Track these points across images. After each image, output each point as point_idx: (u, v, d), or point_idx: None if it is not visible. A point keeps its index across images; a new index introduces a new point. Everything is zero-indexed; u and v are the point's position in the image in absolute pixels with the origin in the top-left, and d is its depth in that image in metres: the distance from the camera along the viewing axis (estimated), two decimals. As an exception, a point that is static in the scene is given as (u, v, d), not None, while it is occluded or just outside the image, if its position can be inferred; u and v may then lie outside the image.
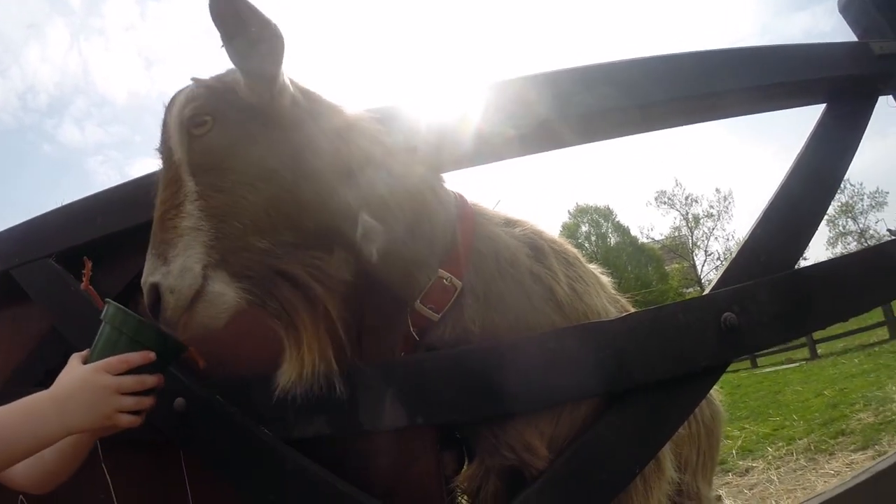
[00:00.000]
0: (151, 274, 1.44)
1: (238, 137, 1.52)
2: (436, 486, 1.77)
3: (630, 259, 50.32)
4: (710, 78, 2.02)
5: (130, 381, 1.43)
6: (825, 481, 5.48)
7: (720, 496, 5.69)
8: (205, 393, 1.81)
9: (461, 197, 1.83)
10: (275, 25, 1.42)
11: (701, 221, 56.98)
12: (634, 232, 54.53)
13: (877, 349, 14.36)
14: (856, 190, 54.91)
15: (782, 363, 18.85)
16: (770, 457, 6.82)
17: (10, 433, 1.33)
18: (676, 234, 58.12)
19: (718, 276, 1.89)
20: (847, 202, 55.24)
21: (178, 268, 1.42)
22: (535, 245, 1.82)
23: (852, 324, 15.93)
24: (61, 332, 2.07)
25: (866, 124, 2.12)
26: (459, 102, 1.99)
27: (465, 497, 1.83)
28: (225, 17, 1.39)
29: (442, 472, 1.79)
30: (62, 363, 2.03)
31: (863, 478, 2.24)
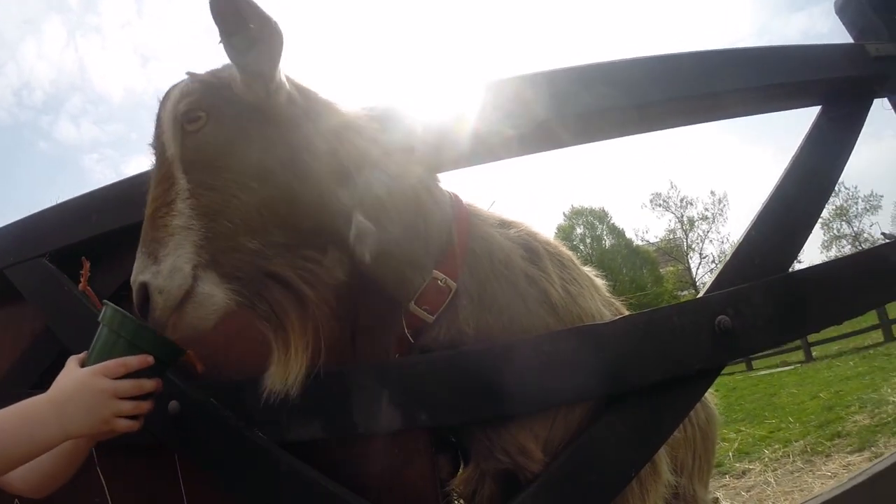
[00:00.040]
0: (141, 273, 1.42)
1: (232, 135, 1.50)
2: (431, 490, 1.76)
3: (625, 261, 50.31)
4: (708, 78, 2.02)
5: (129, 385, 1.41)
6: (822, 483, 5.49)
7: (717, 498, 5.70)
8: (199, 396, 1.80)
9: (456, 197, 1.82)
10: (275, 23, 1.41)
11: (696, 224, 57.11)
12: (629, 234, 54.65)
13: (871, 352, 14.38)
14: (850, 193, 55.21)
15: (777, 366, 18.86)
16: (767, 459, 6.83)
17: (8, 438, 1.31)
18: (671, 236, 58.24)
19: (713, 278, 1.89)
20: (842, 205, 55.46)
21: (167, 267, 1.40)
22: (530, 247, 1.82)
23: (847, 327, 15.95)
24: (55, 332, 2.06)
25: (861, 126, 2.12)
26: (457, 102, 1.99)
27: (461, 500, 1.83)
28: (225, 13, 1.38)
29: (437, 475, 1.78)
30: (56, 363, 2.04)
31: (860, 479, 2.24)
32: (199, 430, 1.80)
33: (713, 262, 54.56)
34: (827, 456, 6.32)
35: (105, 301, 1.49)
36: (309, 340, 1.55)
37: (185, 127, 1.49)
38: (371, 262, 1.55)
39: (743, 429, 9.01)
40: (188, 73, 1.56)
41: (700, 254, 57.02)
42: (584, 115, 1.99)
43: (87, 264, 1.73)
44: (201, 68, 1.58)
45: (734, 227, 56.11)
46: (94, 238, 2.07)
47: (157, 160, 1.54)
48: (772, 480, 6.01)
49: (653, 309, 1.76)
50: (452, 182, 1.93)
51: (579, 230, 52.35)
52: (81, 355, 1.50)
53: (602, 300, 1.95)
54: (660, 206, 57.78)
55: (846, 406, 8.35)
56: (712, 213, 56.90)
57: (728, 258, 1.91)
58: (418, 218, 1.69)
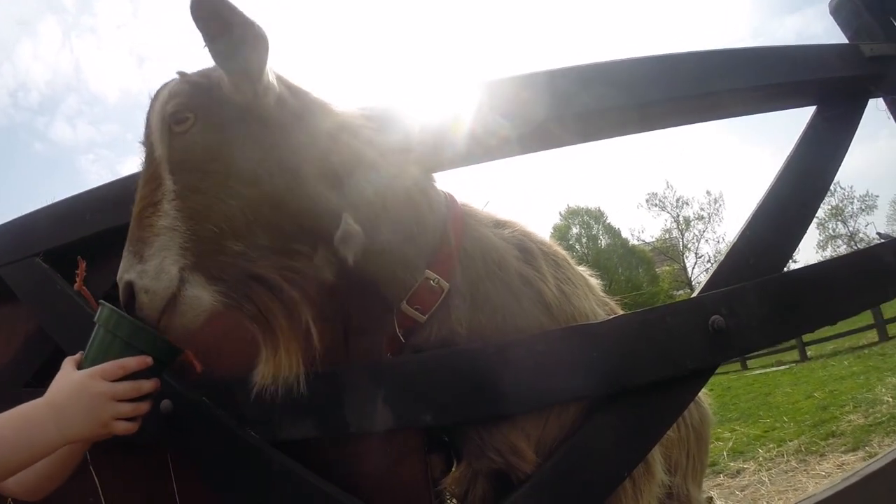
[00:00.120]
0: (127, 271, 1.42)
1: (220, 137, 1.49)
2: (423, 489, 1.76)
3: (621, 261, 50.36)
4: (706, 78, 2.02)
5: (127, 387, 1.41)
6: (816, 482, 5.50)
7: (712, 497, 5.70)
8: (191, 395, 1.79)
9: (451, 197, 1.82)
10: (258, 26, 1.40)
11: (692, 224, 57.22)
12: (625, 234, 54.62)
13: (866, 352, 14.41)
14: (846, 193, 55.43)
15: (772, 365, 18.89)
16: (761, 458, 6.84)
17: (7, 445, 1.30)
18: (667, 236, 58.34)
19: (707, 278, 1.89)
20: (837, 205, 55.67)
21: (153, 268, 1.40)
22: (524, 246, 1.82)
23: (842, 326, 15.99)
24: (48, 332, 2.05)
25: (856, 126, 2.12)
26: (454, 102, 1.98)
27: (453, 500, 1.82)
28: (207, 18, 1.37)
29: (429, 474, 1.78)
30: (49, 363, 2.04)
31: (854, 479, 2.24)
32: (192, 429, 1.80)
33: (709, 261, 54.64)
34: (821, 455, 6.33)
35: (101, 301, 1.48)
36: (297, 340, 1.54)
37: (172, 128, 1.49)
38: (361, 263, 1.55)
39: (737, 428, 9.02)
40: (178, 73, 1.55)
41: (696, 253, 57.19)
42: (584, 115, 1.99)
43: (83, 264, 1.72)
44: (196, 68, 1.57)
45: (730, 226, 56.42)
46: (88, 238, 2.06)
47: (146, 160, 1.54)
48: (766, 480, 6.02)
49: (647, 308, 1.76)
50: (448, 181, 1.93)
51: (575, 230, 52.37)
52: (77, 356, 1.49)
53: (596, 300, 1.95)
54: (656, 205, 57.97)
55: (841, 405, 8.37)
56: (708, 213, 57.11)
57: (722, 258, 1.91)
58: (411, 219, 1.68)
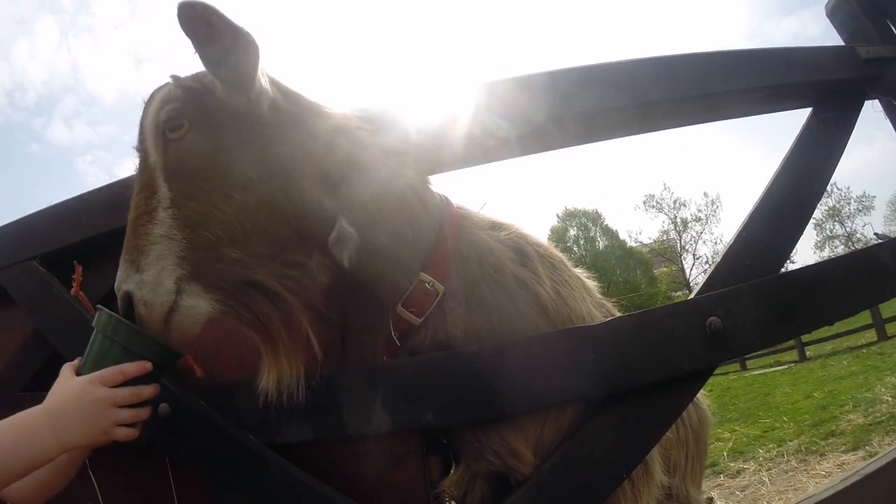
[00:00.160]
0: (125, 281, 1.42)
1: (215, 143, 1.49)
2: (421, 491, 1.75)
3: (619, 263, 50.36)
4: (706, 79, 2.03)
5: (127, 393, 1.40)
6: (816, 482, 5.49)
7: (712, 498, 5.70)
8: (189, 398, 1.79)
9: (446, 200, 1.82)
10: (247, 33, 1.39)
11: (689, 225, 57.30)
12: (623, 236, 54.62)
13: (865, 351, 14.41)
14: (843, 194, 55.55)
15: (771, 365, 18.91)
16: (761, 458, 6.83)
17: (7, 453, 1.28)
18: (665, 237, 58.38)
19: (704, 280, 1.89)
20: (834, 206, 55.80)
21: (151, 279, 1.40)
22: (520, 249, 1.82)
23: (841, 326, 15.99)
24: (46, 336, 2.05)
25: (852, 128, 2.13)
26: (453, 103, 1.98)
27: (451, 502, 1.82)
28: (195, 26, 1.36)
29: (427, 476, 1.78)
30: (47, 366, 2.03)
31: (854, 479, 2.24)
32: (190, 432, 1.79)
33: (706, 262, 54.73)
34: (821, 455, 6.32)
35: (99, 306, 1.47)
36: (297, 346, 1.54)
37: (166, 135, 1.48)
38: (356, 266, 1.55)
39: (737, 428, 9.02)
40: (172, 77, 1.54)
41: (693, 255, 57.30)
42: (584, 116, 2.00)
43: (80, 269, 1.72)
44: (193, 69, 1.56)
45: (727, 227, 56.42)
46: (85, 241, 2.06)
47: (140, 166, 1.53)
48: (766, 480, 6.01)
49: (643, 310, 1.76)
50: (447, 183, 1.93)
51: (573, 232, 52.38)
52: (75, 362, 1.48)
53: (593, 301, 1.95)
54: (653, 207, 58.10)
55: (840, 405, 8.37)
56: (705, 215, 57.26)
57: (719, 259, 1.92)
58: (406, 222, 1.68)
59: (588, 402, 1.72)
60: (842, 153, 2.09)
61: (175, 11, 1.32)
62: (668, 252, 57.47)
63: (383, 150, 1.70)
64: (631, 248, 53.72)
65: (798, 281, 1.88)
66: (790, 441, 7.16)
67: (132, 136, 1.57)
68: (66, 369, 1.46)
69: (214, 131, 1.50)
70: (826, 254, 54.30)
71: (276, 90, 1.56)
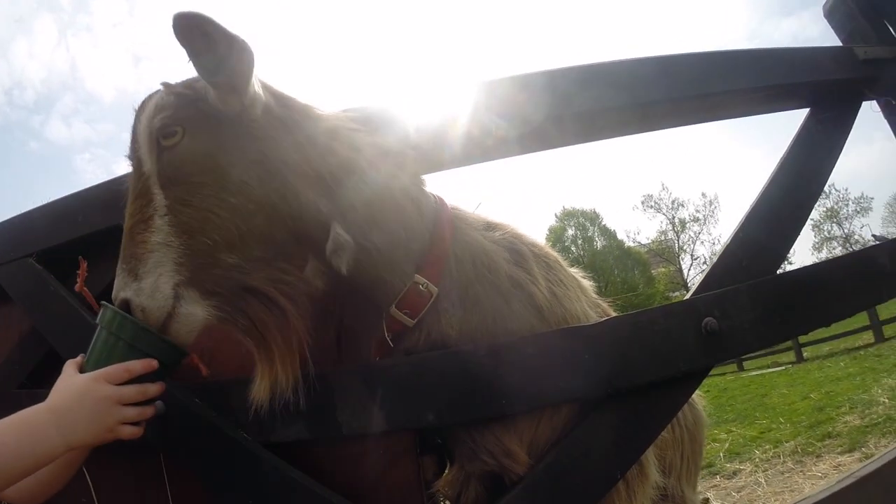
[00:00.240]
0: (122, 289, 1.41)
1: (209, 149, 1.48)
2: (416, 491, 1.75)
3: (617, 263, 50.42)
4: (706, 79, 2.04)
5: (132, 391, 1.38)
6: (812, 483, 5.51)
7: (708, 499, 5.73)
8: (184, 396, 1.79)
9: (441, 201, 1.81)
10: (241, 41, 1.39)
11: (687, 225, 57.37)
12: (621, 236, 54.69)
13: (862, 353, 14.42)
14: (841, 195, 55.67)
15: (768, 366, 18.91)
16: (757, 459, 6.86)
17: (9, 453, 1.26)
18: (663, 238, 58.43)
19: (700, 280, 1.89)
20: (832, 207, 55.94)
21: (149, 286, 1.40)
22: (515, 249, 1.81)
23: (838, 328, 16.00)
24: (42, 332, 2.05)
25: (850, 129, 2.13)
26: (451, 102, 1.98)
27: (446, 502, 1.82)
28: (190, 35, 1.35)
29: (421, 476, 1.77)
30: (43, 364, 2.03)
31: (850, 480, 2.24)
32: (184, 430, 1.79)
33: (704, 263, 54.79)
34: (817, 456, 6.35)
35: (104, 302, 1.45)
36: (292, 352, 1.54)
37: (160, 142, 1.47)
38: (351, 269, 1.54)
39: (734, 429, 9.05)
40: (163, 84, 1.54)
41: (691, 255, 57.37)
42: (583, 116, 2.00)
43: (84, 264, 1.71)
44: (191, 70, 1.56)
45: (725, 228, 56.39)
46: (82, 238, 2.05)
47: (134, 174, 1.52)
48: (762, 481, 6.03)
49: (639, 310, 1.76)
50: (445, 181, 1.93)
51: (571, 231, 52.43)
52: (78, 359, 1.46)
53: (588, 301, 1.95)
54: (651, 207, 58.19)
55: (837, 407, 8.40)
56: (703, 215, 57.33)
57: (716, 260, 1.92)
58: (399, 225, 1.68)
59: (583, 403, 1.72)
60: (839, 154, 2.09)
61: (170, 22, 1.32)
62: (665, 252, 57.53)
63: (379, 152, 1.70)
64: (629, 248, 53.77)
65: (795, 282, 1.88)
66: (787, 442, 7.19)
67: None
68: (70, 366, 1.44)
69: (209, 137, 1.49)
70: (824, 255, 54.48)
71: (269, 94, 1.56)
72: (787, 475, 6.04)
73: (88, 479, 1.87)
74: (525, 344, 1.68)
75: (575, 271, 2.03)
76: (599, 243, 52.40)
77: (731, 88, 2.06)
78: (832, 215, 56.15)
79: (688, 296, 1.87)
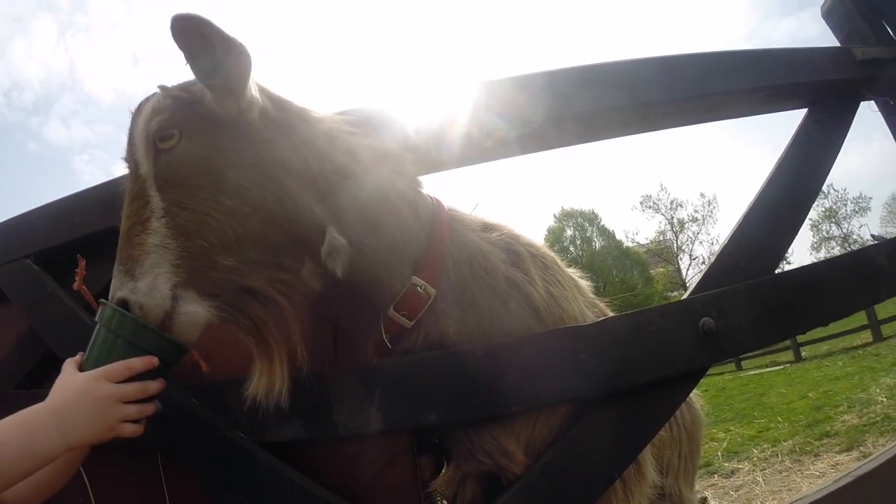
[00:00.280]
0: (119, 289, 1.41)
1: (206, 152, 1.48)
2: (413, 491, 1.75)
3: (615, 263, 50.43)
4: (706, 80, 2.04)
5: (133, 388, 1.37)
6: (810, 482, 5.51)
7: (706, 498, 5.72)
8: (180, 395, 1.78)
9: (437, 202, 1.81)
10: (239, 44, 1.39)
11: (686, 226, 57.38)
12: (620, 236, 54.68)
13: (860, 352, 14.42)
14: (839, 195, 55.64)
15: (767, 366, 18.92)
16: (755, 458, 6.86)
17: (10, 453, 1.25)
18: (661, 238, 58.43)
19: (697, 280, 1.89)
20: (831, 207, 55.92)
21: (146, 285, 1.39)
22: (512, 250, 1.81)
23: (836, 327, 16.02)
24: (39, 333, 2.05)
25: (848, 129, 2.13)
26: (451, 103, 1.98)
27: (443, 501, 1.82)
28: (189, 39, 1.35)
29: (418, 476, 1.78)
30: (42, 364, 2.03)
31: (848, 479, 2.24)
32: (181, 430, 1.79)
33: (703, 263, 54.74)
34: (815, 456, 6.34)
35: (102, 300, 1.44)
36: (290, 351, 1.53)
37: (157, 145, 1.47)
38: (347, 272, 1.54)
39: (732, 428, 9.05)
40: (159, 87, 1.53)
41: (690, 255, 57.35)
42: (584, 116, 2.01)
43: (83, 262, 1.71)
44: (189, 71, 1.56)
45: (724, 228, 56.42)
46: (79, 240, 2.05)
47: (131, 176, 1.52)
48: (760, 480, 6.03)
49: (636, 310, 1.76)
50: (440, 182, 1.92)
51: (569, 232, 52.44)
52: (77, 358, 1.45)
53: (585, 302, 1.95)
54: (650, 207, 58.16)
55: (835, 406, 8.40)
56: (702, 215, 57.28)
57: (713, 260, 1.92)
58: (396, 228, 1.68)
59: (580, 402, 1.72)
60: (837, 154, 2.09)
61: (168, 23, 1.32)
62: (664, 252, 57.55)
63: (376, 154, 1.70)
64: (627, 248, 53.77)
65: (793, 281, 1.88)
66: (785, 441, 7.19)
67: (129, 136, 1.56)
68: (69, 365, 1.43)
69: (206, 140, 1.49)
70: (822, 255, 54.50)
71: (265, 97, 1.56)
72: (785, 474, 6.04)
73: (86, 479, 1.87)
74: (522, 344, 1.68)
75: (572, 271, 2.03)
76: (598, 243, 52.40)
77: (732, 89, 2.06)
78: (831, 215, 56.20)
79: (685, 296, 1.87)
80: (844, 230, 56.00)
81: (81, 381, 1.36)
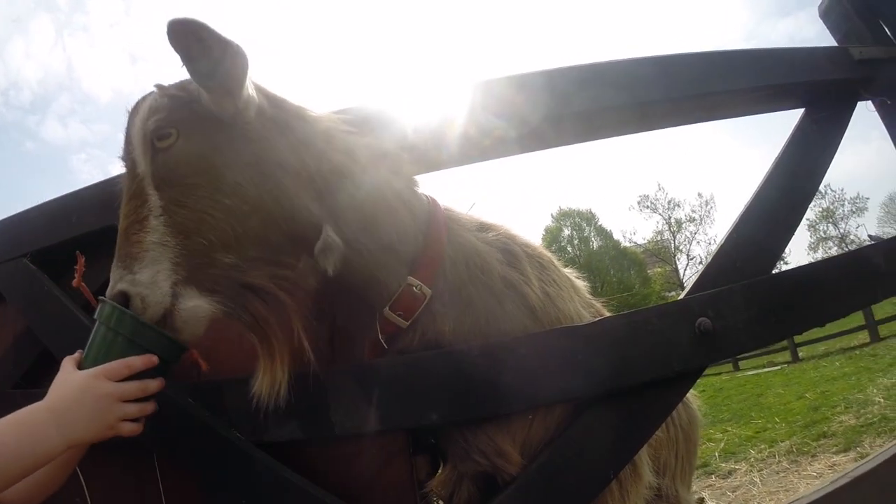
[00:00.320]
0: (118, 282, 1.40)
1: (203, 151, 1.48)
2: (408, 491, 1.75)
3: (613, 263, 50.46)
4: (705, 79, 2.04)
5: (133, 387, 1.37)
6: (808, 483, 5.51)
7: (703, 498, 5.73)
8: (177, 395, 1.78)
9: (433, 202, 1.81)
10: (235, 45, 1.39)
11: (683, 226, 57.42)
12: (617, 236, 54.72)
13: (857, 352, 14.44)
14: (837, 195, 55.68)
15: (764, 366, 18.95)
16: (753, 459, 6.86)
17: (9, 453, 1.24)
18: (659, 238, 58.47)
19: (694, 280, 1.89)
20: (828, 207, 55.94)
21: (146, 278, 1.39)
22: (508, 249, 1.81)
23: (833, 327, 16.05)
24: (36, 333, 2.04)
25: (845, 129, 2.13)
26: (448, 102, 1.98)
27: (439, 502, 1.82)
28: (186, 43, 1.36)
29: (414, 476, 1.77)
30: (38, 364, 2.02)
31: (845, 480, 2.24)
32: (178, 429, 1.78)
33: (700, 263, 54.75)
34: (813, 456, 6.35)
35: (102, 297, 1.43)
36: (293, 347, 1.53)
37: (155, 144, 1.47)
38: (342, 270, 1.55)
39: (729, 429, 9.05)
40: (156, 86, 1.54)
41: (687, 255, 57.36)
42: (583, 115, 2.01)
43: (82, 259, 1.70)
44: (185, 73, 1.56)
45: (721, 228, 56.46)
46: (76, 239, 2.04)
47: (128, 175, 1.52)
48: (757, 480, 6.03)
49: (633, 310, 1.76)
50: (437, 181, 1.92)
51: (567, 232, 52.45)
52: (76, 356, 1.44)
53: (582, 302, 1.95)
54: (647, 207, 58.14)
55: (832, 406, 8.40)
56: (699, 215, 57.30)
57: (710, 260, 1.92)
58: (392, 228, 1.68)
59: (576, 402, 1.72)
60: (834, 154, 2.09)
61: (165, 28, 1.32)
62: (662, 252, 57.58)
63: (373, 154, 1.70)
64: (625, 248, 53.81)
65: (790, 281, 1.88)
66: (782, 442, 7.19)
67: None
68: (68, 363, 1.42)
69: (203, 139, 1.49)
70: (819, 255, 54.50)
71: (262, 96, 1.56)
72: (782, 475, 6.04)
73: (82, 480, 1.86)
74: (519, 344, 1.68)
75: (569, 271, 2.03)
76: (595, 243, 52.43)
77: (730, 88, 2.06)
78: (828, 215, 56.22)
79: (682, 296, 1.87)
80: (842, 230, 56.06)
81: (81, 379, 1.35)
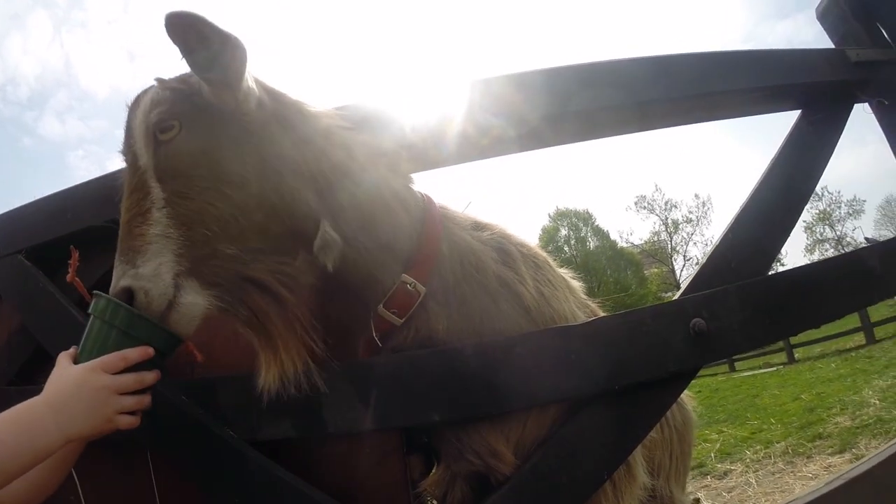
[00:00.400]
0: (121, 278, 1.40)
1: (205, 143, 1.49)
2: (402, 491, 1.75)
3: (609, 263, 50.43)
4: (705, 79, 2.04)
5: (129, 379, 1.37)
6: (803, 484, 5.53)
7: (699, 499, 5.74)
8: (171, 393, 1.78)
9: (429, 200, 1.81)
10: (234, 38, 1.40)
11: (680, 226, 57.51)
12: (614, 236, 54.70)
13: (853, 354, 14.47)
14: (834, 198, 55.81)
15: (760, 367, 18.98)
16: (748, 460, 6.88)
17: (7, 450, 1.23)
18: (656, 238, 58.57)
19: (689, 281, 1.89)
20: (825, 209, 56.05)
21: (149, 271, 1.39)
22: (503, 249, 1.82)
23: (829, 329, 16.08)
24: (30, 329, 2.04)
25: (841, 131, 2.13)
26: (447, 101, 1.98)
27: (433, 501, 1.82)
28: (185, 35, 1.36)
29: (408, 476, 1.77)
30: (32, 360, 2.02)
31: (840, 481, 2.24)
32: (171, 427, 1.78)
33: (697, 263, 54.75)
34: (808, 457, 6.37)
35: (96, 292, 1.44)
36: (294, 340, 1.54)
37: (157, 136, 1.47)
38: (338, 268, 1.55)
39: (725, 430, 9.08)
40: (157, 80, 1.54)
41: (684, 256, 57.52)
42: (582, 114, 2.00)
43: (76, 254, 1.70)
44: (186, 66, 1.56)
45: (718, 229, 56.35)
46: (71, 235, 2.03)
47: (130, 169, 1.52)
48: (753, 481, 6.05)
49: (627, 311, 1.76)
50: (434, 179, 1.92)
51: (564, 232, 52.41)
52: (72, 351, 1.44)
53: (576, 302, 1.95)
54: (644, 208, 58.28)
55: (828, 408, 8.43)
56: (696, 216, 57.43)
57: (705, 261, 1.91)
58: (388, 226, 1.68)
59: (571, 402, 1.72)
60: (830, 155, 2.09)
61: (163, 21, 1.32)
62: (658, 253, 57.67)
63: (372, 152, 1.70)
64: (622, 248, 53.85)
65: (785, 283, 1.88)
66: (777, 443, 7.21)
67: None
68: (63, 358, 1.42)
69: (205, 131, 1.50)
70: (816, 257, 54.59)
71: (261, 90, 1.56)
72: (777, 476, 6.06)
73: (75, 478, 1.86)
74: (513, 343, 1.68)
75: (564, 271, 2.03)
76: (592, 244, 52.41)
77: (728, 88, 2.06)
78: (825, 217, 56.37)
79: (676, 296, 1.87)
80: (838, 233, 56.23)
81: (77, 372, 1.35)
